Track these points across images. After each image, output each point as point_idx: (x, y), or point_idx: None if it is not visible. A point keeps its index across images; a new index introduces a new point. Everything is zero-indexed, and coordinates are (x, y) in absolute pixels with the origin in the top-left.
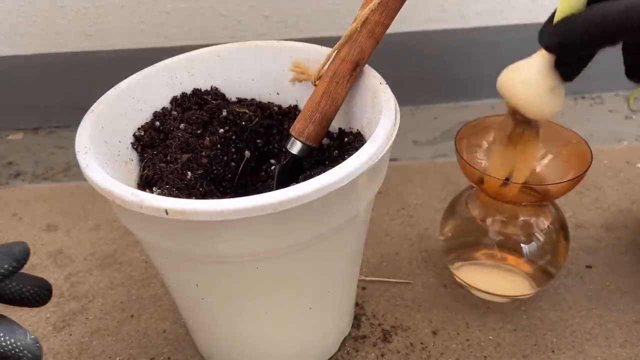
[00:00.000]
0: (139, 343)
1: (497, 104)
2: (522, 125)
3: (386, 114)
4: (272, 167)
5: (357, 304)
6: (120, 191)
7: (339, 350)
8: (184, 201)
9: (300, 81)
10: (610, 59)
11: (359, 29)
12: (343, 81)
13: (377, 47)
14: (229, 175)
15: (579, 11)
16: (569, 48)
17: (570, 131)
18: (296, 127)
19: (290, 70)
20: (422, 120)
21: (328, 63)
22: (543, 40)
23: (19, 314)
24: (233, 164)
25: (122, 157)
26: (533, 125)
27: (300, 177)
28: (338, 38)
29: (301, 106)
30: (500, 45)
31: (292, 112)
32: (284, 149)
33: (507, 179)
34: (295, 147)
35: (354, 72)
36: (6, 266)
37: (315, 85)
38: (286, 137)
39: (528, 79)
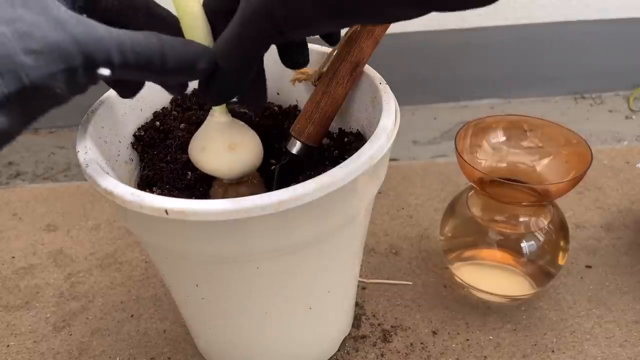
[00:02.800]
0: (139, 343)
1: (497, 104)
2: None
3: (386, 114)
4: (272, 167)
5: (357, 304)
6: (120, 191)
7: (339, 350)
8: (184, 201)
9: (300, 81)
10: (610, 59)
11: (358, 29)
12: (343, 81)
13: (377, 47)
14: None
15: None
16: (231, 90)
17: (570, 131)
18: (296, 127)
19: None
20: (422, 120)
21: (328, 63)
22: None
23: (19, 314)
24: None
25: (122, 157)
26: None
27: (300, 177)
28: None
29: (301, 106)
30: (500, 45)
31: (292, 112)
32: (283, 149)
33: (507, 179)
34: (295, 147)
35: (354, 72)
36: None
37: (315, 85)
38: (286, 136)
39: (204, 146)
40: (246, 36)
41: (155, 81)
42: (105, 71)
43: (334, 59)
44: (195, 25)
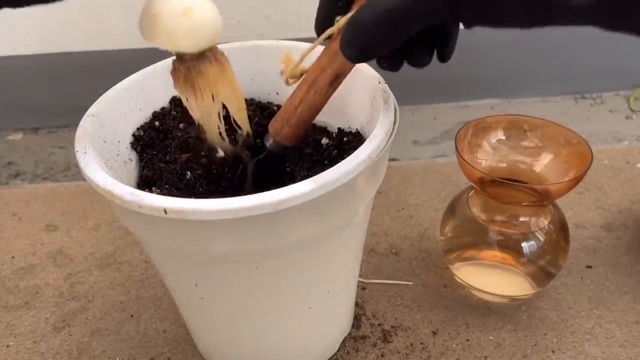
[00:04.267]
0: (139, 343)
1: (497, 104)
2: (187, 64)
3: (385, 113)
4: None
5: (357, 304)
6: (119, 191)
7: (338, 350)
8: (183, 200)
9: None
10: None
11: (335, 35)
12: (322, 91)
13: None
14: (229, 175)
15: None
16: (371, 52)
17: (570, 131)
18: (273, 126)
19: (281, 62)
20: (422, 120)
21: (301, 62)
22: (344, 53)
23: (19, 314)
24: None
25: (121, 157)
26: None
27: (302, 176)
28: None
29: None
30: (500, 45)
31: None
32: (259, 143)
33: (507, 179)
34: (269, 143)
35: (334, 83)
36: None
37: (289, 84)
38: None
39: (155, 11)
40: (410, 13)
41: None
42: None
43: (314, 66)
44: None
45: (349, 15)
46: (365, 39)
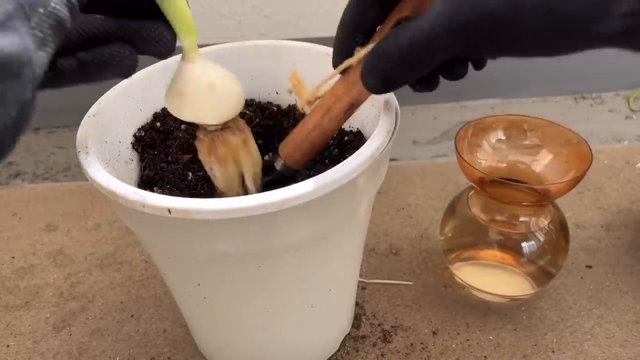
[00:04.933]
0: (139, 343)
1: (497, 104)
2: (211, 134)
3: (386, 112)
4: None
5: (357, 304)
6: (123, 191)
7: (338, 350)
8: (187, 200)
9: (296, 95)
10: (610, 59)
11: (354, 66)
12: (336, 119)
13: None
14: None
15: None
16: (394, 83)
17: (570, 131)
18: (284, 150)
19: (289, 80)
20: (422, 120)
21: (322, 88)
22: (365, 84)
23: (19, 314)
24: None
25: (122, 157)
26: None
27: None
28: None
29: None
30: None
31: (291, 112)
32: (269, 164)
33: (507, 179)
34: (280, 165)
35: (349, 112)
36: None
37: (303, 111)
38: (275, 152)
39: (181, 90)
40: (435, 47)
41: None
42: None
43: (330, 93)
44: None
45: (370, 46)
46: (389, 69)
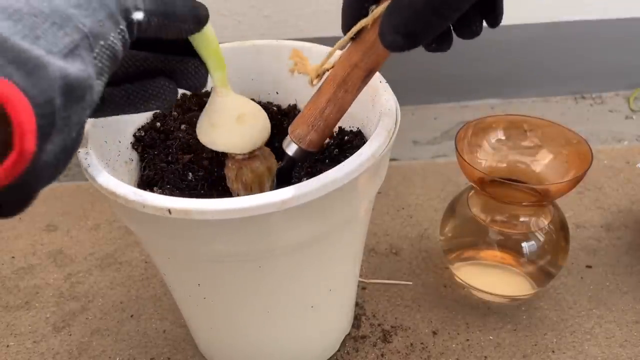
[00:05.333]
0: (139, 343)
1: (497, 104)
2: (239, 162)
3: (386, 112)
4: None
5: (357, 304)
6: (123, 191)
7: (339, 350)
8: (187, 200)
9: (299, 72)
10: (610, 59)
11: (369, 27)
12: (353, 89)
13: None
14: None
15: None
16: (419, 35)
17: (570, 131)
18: (296, 132)
19: (290, 59)
20: (422, 120)
21: (332, 62)
22: (385, 41)
23: (19, 314)
24: None
25: (122, 157)
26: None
27: (304, 175)
28: (338, 38)
29: (301, 106)
30: (500, 45)
31: (291, 112)
32: (280, 150)
33: (507, 179)
34: (292, 149)
35: (367, 79)
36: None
37: (313, 84)
38: (285, 137)
39: (213, 122)
40: None
41: (171, 33)
42: (138, 14)
43: (342, 63)
44: None
45: (387, 2)
46: (413, 20)
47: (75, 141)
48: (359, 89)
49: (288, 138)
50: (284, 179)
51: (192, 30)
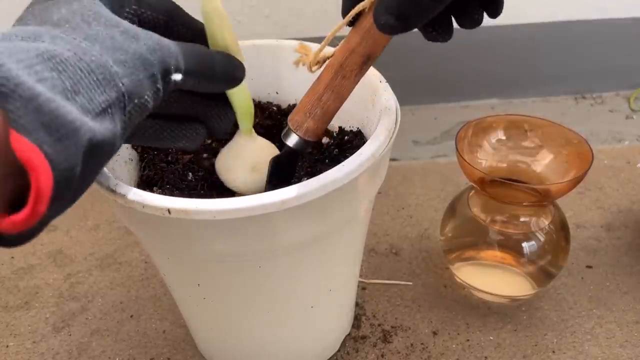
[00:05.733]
0: (139, 343)
1: (497, 104)
2: None
3: (386, 112)
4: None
5: (357, 304)
6: (122, 191)
7: (339, 350)
8: (187, 200)
9: (304, 65)
10: (610, 59)
11: (367, 10)
12: (351, 75)
13: None
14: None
15: None
16: (411, 17)
17: (570, 131)
18: (294, 119)
19: (296, 52)
20: (422, 120)
21: (331, 50)
22: (379, 23)
23: (18, 314)
24: None
25: (122, 156)
26: None
27: (304, 175)
28: (339, 38)
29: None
30: (500, 45)
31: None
32: (278, 141)
33: (507, 179)
34: (291, 140)
35: (365, 66)
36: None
37: (312, 71)
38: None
39: (230, 166)
40: None
41: (207, 89)
42: (177, 76)
43: (341, 49)
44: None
45: None
46: (407, 3)
47: (87, 187)
48: (357, 76)
49: (287, 128)
50: (282, 174)
51: (226, 88)
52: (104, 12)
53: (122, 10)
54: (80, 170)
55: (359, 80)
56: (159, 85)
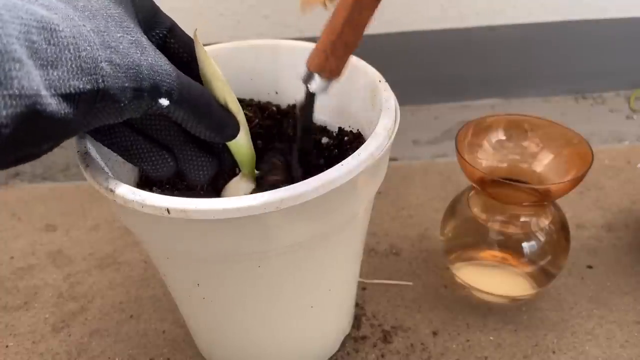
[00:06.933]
0: (139, 343)
1: (497, 104)
2: None
3: (386, 112)
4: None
5: (357, 304)
6: (121, 190)
7: (339, 350)
8: (186, 200)
9: (310, 4)
10: (610, 59)
11: None
12: (370, 4)
13: (377, 47)
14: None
15: None
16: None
17: (571, 131)
18: (315, 62)
19: None
20: (422, 120)
21: None
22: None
23: (18, 314)
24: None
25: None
26: None
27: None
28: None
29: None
30: (500, 45)
31: (291, 112)
32: (303, 84)
33: (508, 179)
34: (315, 83)
35: None
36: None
37: (327, 8)
38: (306, 75)
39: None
40: None
41: (193, 130)
42: (164, 102)
43: None
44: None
45: None
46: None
47: (23, 155)
48: (376, 4)
49: (307, 72)
50: (307, 120)
51: (215, 138)
52: (126, 19)
53: (151, 32)
54: (9, 133)
55: (376, 8)
56: (142, 101)
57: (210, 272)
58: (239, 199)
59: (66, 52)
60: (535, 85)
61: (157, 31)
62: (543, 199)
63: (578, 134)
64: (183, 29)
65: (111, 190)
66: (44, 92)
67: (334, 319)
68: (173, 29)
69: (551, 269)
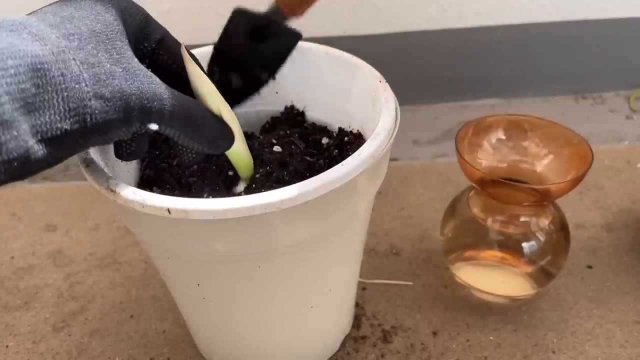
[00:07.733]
0: (139, 343)
1: (497, 104)
2: None
3: (386, 112)
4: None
5: (357, 304)
6: (122, 191)
7: (339, 350)
8: (186, 200)
9: None
10: (610, 59)
11: None
12: None
13: (377, 46)
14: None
15: None
16: None
17: (571, 131)
18: None
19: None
20: (422, 120)
21: None
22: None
23: (18, 314)
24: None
25: None
26: None
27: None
28: (338, 38)
29: (298, 106)
30: (500, 45)
31: (290, 112)
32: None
33: (507, 179)
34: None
35: None
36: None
37: None
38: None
39: None
40: None
41: (186, 145)
42: (153, 126)
43: None
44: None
45: None
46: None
47: None
48: None
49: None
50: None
51: (208, 151)
52: (116, 38)
53: (140, 45)
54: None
55: None
56: (130, 127)
57: (211, 272)
58: (239, 199)
59: (54, 94)
60: (535, 85)
61: (146, 44)
62: (543, 199)
63: (578, 134)
64: (183, 29)
65: (112, 191)
66: (31, 142)
67: (333, 319)
68: (163, 40)
69: (551, 269)
